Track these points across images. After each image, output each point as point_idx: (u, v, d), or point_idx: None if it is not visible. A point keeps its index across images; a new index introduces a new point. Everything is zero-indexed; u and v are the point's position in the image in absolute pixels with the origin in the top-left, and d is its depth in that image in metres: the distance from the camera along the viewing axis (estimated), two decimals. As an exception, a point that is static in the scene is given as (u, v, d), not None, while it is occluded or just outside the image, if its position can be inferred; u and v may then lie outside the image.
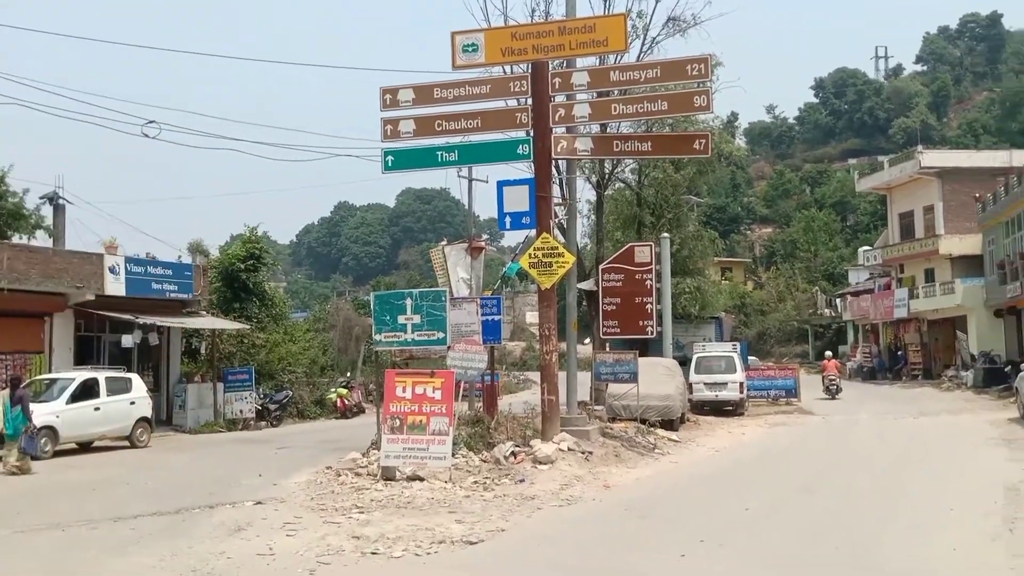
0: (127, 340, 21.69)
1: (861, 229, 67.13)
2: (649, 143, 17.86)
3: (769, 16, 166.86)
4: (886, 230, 47.14)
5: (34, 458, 14.76)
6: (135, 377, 19.68)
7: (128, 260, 22.70)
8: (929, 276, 40.67)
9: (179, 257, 27.69)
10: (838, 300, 53.33)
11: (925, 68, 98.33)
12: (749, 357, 36.24)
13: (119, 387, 18.63)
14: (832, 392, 29.91)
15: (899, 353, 42.07)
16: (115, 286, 21.81)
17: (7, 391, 15.29)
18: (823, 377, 30.93)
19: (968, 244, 37.83)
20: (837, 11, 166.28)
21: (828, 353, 35.16)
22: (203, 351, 26.56)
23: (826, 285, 58.62)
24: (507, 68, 18.14)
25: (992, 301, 34.51)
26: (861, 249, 53.03)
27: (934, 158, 41.43)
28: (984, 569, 7.17)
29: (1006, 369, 29.24)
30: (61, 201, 24.83)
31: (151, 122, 19.90)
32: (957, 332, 37.03)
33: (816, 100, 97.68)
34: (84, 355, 21.67)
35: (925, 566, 7.34)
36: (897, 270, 44.07)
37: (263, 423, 24.59)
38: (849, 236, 67.63)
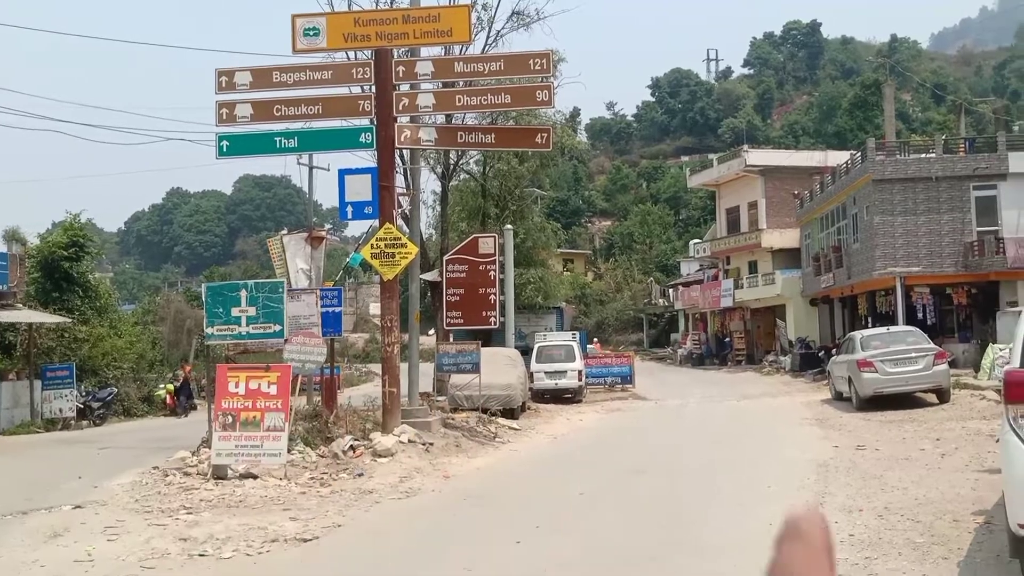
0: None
1: (692, 223, 70.47)
2: (492, 135, 17.96)
3: (610, 16, 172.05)
4: (715, 224, 49.65)
5: None
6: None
7: (-68, 248, 20.79)
8: (752, 268, 43.19)
9: (-9, 245, 25.60)
10: (671, 290, 55.78)
11: (752, 71, 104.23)
12: (588, 346, 37.38)
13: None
14: None
15: (725, 340, 44.49)
16: (-84, 277, 19.92)
17: None
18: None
19: (787, 238, 40.39)
20: (673, 13, 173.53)
21: (595, 340, 43.80)
22: (19, 346, 24.67)
23: (660, 276, 61.21)
24: (350, 54, 17.83)
25: (808, 291, 37.10)
26: (692, 242, 55.64)
27: (758, 157, 43.95)
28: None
29: (820, 354, 31.53)
30: None
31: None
32: (777, 320, 39.56)
33: (652, 99, 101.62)
34: None
35: (744, 541, 7.78)
36: (724, 262, 46.51)
37: (85, 422, 23.13)
38: (681, 229, 70.85)
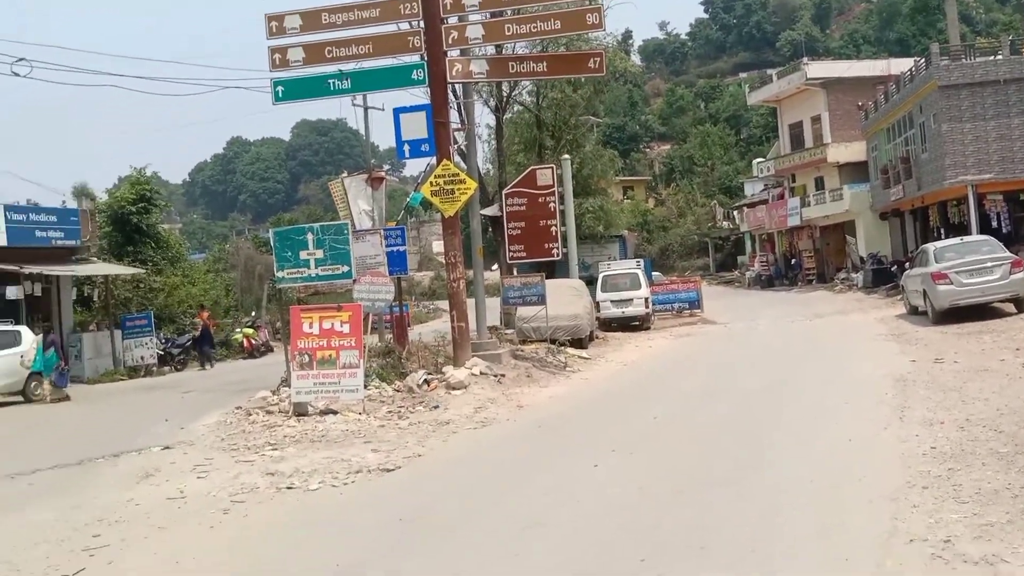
0: (12, 292, 20.65)
1: (754, 141, 68.78)
2: (544, 63, 17.69)
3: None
4: (778, 141, 48.39)
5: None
6: (24, 329, 18.82)
7: (7, 208, 21.46)
8: (819, 184, 42.10)
9: (63, 202, 26.41)
10: (735, 212, 54.81)
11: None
12: (653, 273, 37.12)
13: (7, 341, 17.81)
14: None
15: (794, 260, 43.71)
16: (-5, 236, 20.67)
17: (41, 336, 18.56)
18: None
19: (853, 151, 39.19)
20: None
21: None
22: (96, 298, 25.57)
23: (723, 198, 60.11)
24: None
25: (877, 205, 36.09)
26: (755, 161, 54.40)
27: (819, 69, 42.51)
28: (876, 456, 7.60)
29: (892, 269, 30.79)
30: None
31: (21, 59, 18.58)
32: (846, 236, 38.67)
33: (706, 16, 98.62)
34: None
35: (823, 457, 7.73)
36: (789, 180, 45.44)
37: (167, 368, 23.97)
38: (744, 149, 69.25)
